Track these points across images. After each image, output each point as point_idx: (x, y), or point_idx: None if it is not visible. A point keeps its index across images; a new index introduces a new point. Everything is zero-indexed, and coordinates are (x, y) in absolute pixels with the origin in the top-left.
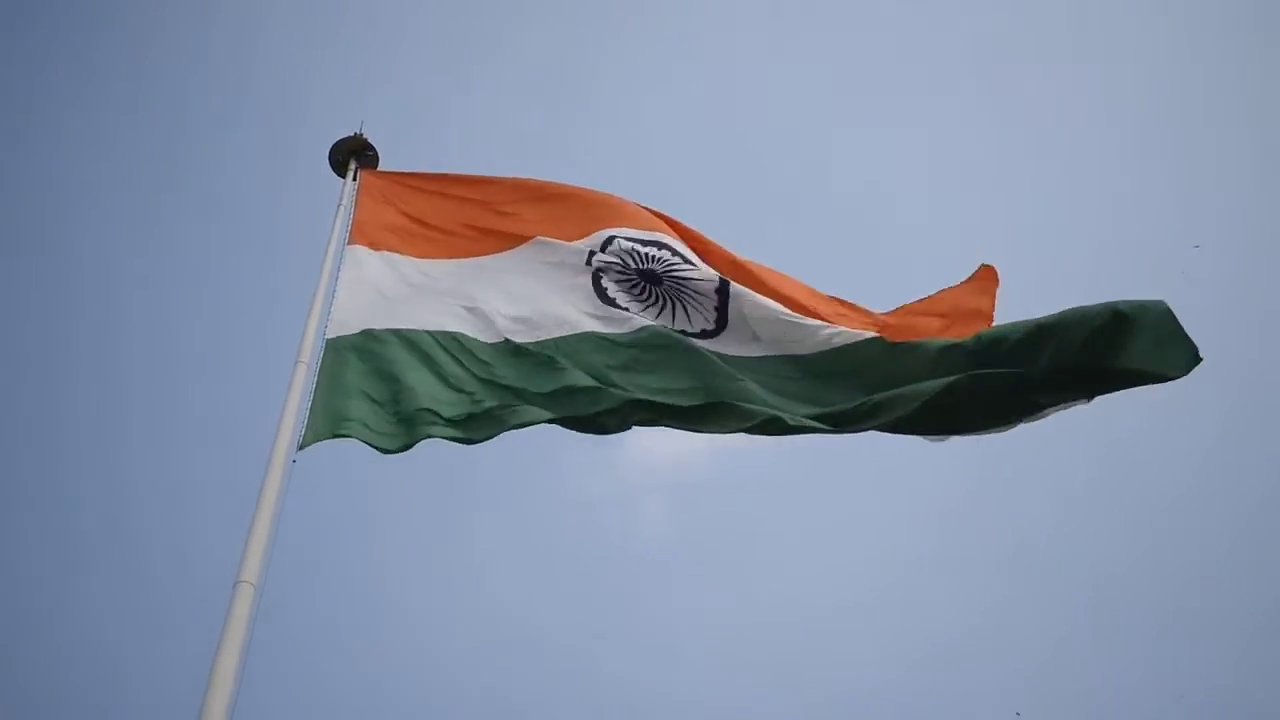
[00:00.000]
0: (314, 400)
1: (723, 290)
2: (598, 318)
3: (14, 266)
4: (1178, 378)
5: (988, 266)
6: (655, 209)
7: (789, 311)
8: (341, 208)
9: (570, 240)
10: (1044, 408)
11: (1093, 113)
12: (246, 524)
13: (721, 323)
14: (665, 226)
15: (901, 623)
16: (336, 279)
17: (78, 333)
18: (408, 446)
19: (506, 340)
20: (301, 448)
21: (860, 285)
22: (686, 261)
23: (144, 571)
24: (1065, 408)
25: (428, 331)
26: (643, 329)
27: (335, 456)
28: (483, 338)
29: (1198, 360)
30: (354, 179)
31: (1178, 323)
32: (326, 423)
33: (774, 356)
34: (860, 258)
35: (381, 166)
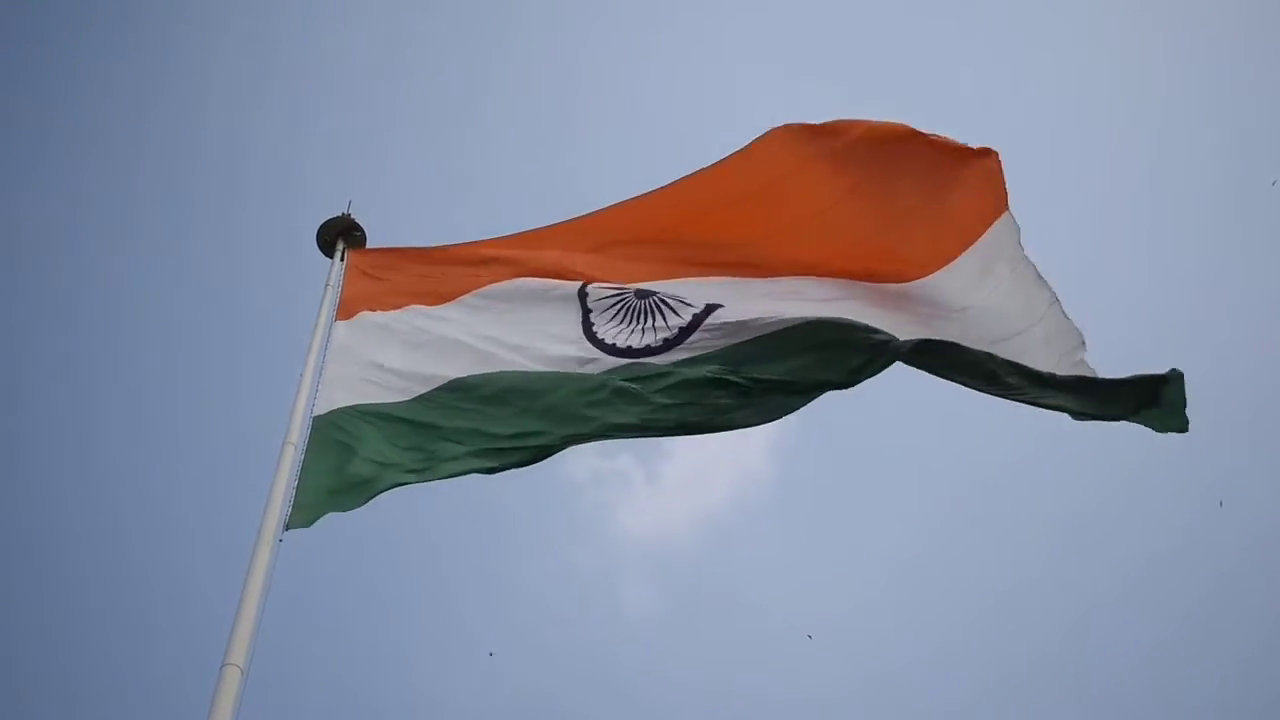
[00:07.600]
0: (300, 480)
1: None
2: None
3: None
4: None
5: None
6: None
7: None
8: (329, 288)
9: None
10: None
11: None
12: (234, 606)
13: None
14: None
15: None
16: (324, 359)
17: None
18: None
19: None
20: (289, 528)
21: None
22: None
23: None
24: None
25: (399, 402)
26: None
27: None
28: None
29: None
30: (341, 259)
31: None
32: (312, 504)
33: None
34: None
35: (369, 246)
